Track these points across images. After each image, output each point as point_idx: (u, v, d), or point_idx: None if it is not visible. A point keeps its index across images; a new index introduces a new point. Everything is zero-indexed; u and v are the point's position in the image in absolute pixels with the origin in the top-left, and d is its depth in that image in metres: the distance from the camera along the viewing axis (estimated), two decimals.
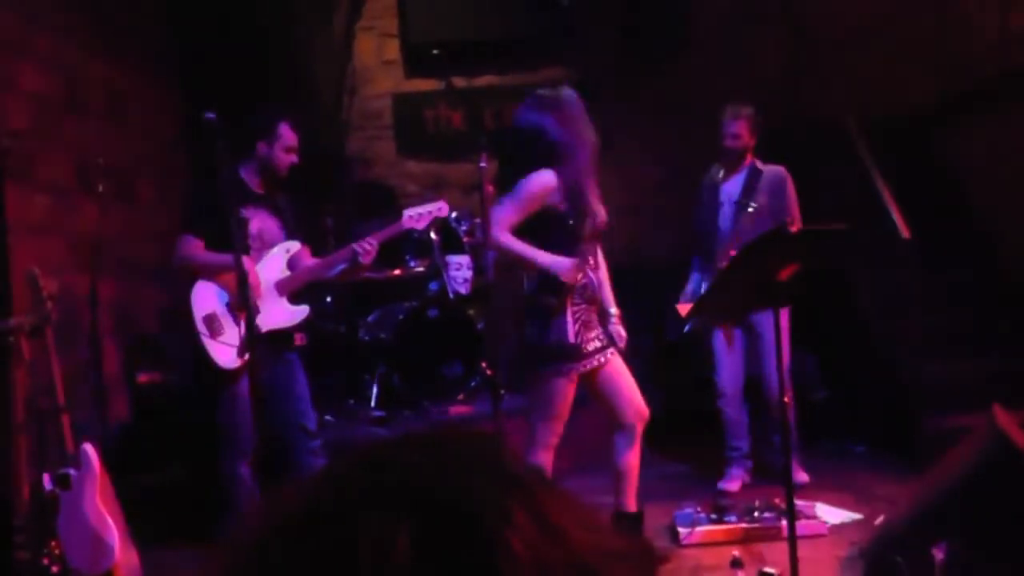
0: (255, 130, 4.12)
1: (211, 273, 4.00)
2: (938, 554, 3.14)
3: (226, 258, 3.76)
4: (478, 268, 5.93)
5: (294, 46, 6.69)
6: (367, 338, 5.90)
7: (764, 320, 4.97)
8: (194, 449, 4.71)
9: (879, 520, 3.88)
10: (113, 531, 3.64)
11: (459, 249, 6.01)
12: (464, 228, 6.00)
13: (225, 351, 3.92)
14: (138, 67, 5.85)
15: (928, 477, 3.64)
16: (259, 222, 4.14)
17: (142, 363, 5.47)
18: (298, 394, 4.19)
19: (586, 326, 3.81)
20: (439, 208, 4.21)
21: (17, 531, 3.65)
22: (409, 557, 0.55)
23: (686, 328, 4.93)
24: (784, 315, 4.98)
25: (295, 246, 4.22)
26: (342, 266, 4.17)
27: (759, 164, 5.18)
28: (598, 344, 3.85)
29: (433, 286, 6.08)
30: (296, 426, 4.14)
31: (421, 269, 6.10)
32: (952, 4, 6.59)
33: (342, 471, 0.63)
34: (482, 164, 3.92)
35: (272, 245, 4.17)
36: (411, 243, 5.99)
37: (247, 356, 3.83)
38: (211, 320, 3.99)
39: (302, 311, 4.18)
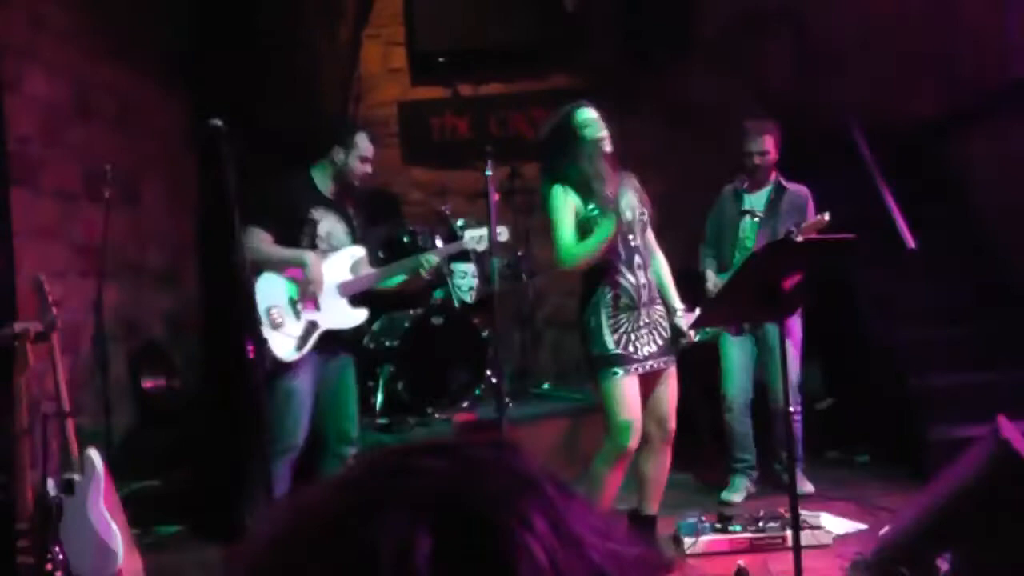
0: (333, 136, 4.28)
1: (277, 266, 4.09)
2: (942, 564, 3.14)
3: (294, 252, 4.08)
4: (483, 276, 5.93)
5: (300, 52, 6.69)
6: (372, 345, 5.89)
7: (774, 330, 4.97)
8: (199, 454, 4.71)
9: (884, 530, 3.87)
10: (117, 537, 3.64)
11: (464, 257, 6.00)
12: None
13: (285, 343, 3.99)
14: (144, 70, 5.84)
15: (932, 487, 3.64)
16: (328, 224, 4.27)
17: (147, 368, 5.48)
18: (343, 399, 4.29)
19: (632, 332, 3.87)
20: (499, 232, 4.33)
21: (21, 536, 3.65)
22: (429, 560, 0.55)
23: (696, 338, 4.95)
24: (797, 326, 4.99)
25: (360, 252, 4.35)
26: (403, 277, 4.46)
27: (784, 181, 5.19)
28: (653, 348, 3.92)
29: (438, 294, 6.07)
30: (334, 429, 4.24)
31: (427, 277, 6.09)
32: (957, 14, 6.59)
33: (363, 474, 0.63)
34: (487, 172, 3.96)
35: (338, 249, 4.29)
36: (416, 251, 5.97)
37: (306, 349, 4.03)
38: (274, 312, 4.07)
39: (361, 314, 4.29)
